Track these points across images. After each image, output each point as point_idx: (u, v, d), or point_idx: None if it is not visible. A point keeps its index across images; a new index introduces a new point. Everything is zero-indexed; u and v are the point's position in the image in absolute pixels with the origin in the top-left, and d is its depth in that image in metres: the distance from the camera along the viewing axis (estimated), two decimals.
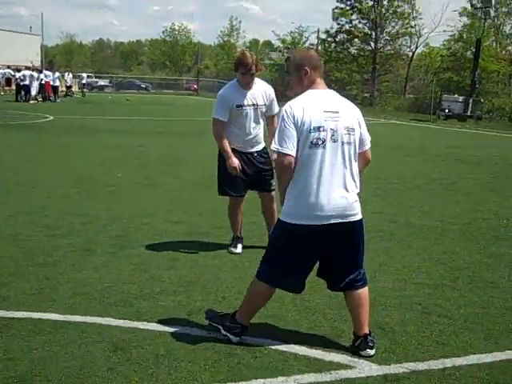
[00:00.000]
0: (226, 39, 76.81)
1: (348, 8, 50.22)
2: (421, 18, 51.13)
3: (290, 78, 3.88)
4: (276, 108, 5.95)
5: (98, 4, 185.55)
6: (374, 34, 49.93)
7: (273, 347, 3.85)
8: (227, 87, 5.91)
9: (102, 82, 63.28)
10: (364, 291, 3.88)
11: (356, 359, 3.73)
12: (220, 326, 3.97)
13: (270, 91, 5.94)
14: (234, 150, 5.78)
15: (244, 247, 6.05)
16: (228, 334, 3.91)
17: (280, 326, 4.20)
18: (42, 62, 60.96)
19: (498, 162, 14.80)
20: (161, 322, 4.21)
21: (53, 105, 32.63)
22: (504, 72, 45.00)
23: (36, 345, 3.78)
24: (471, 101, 34.90)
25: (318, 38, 51.53)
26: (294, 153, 3.60)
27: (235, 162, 5.74)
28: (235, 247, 6.01)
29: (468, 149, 17.91)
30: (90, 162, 11.82)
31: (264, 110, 5.89)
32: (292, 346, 3.89)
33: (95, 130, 18.77)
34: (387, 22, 50.44)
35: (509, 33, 50.42)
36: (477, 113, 34.01)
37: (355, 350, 3.81)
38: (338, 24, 51.02)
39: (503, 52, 48.42)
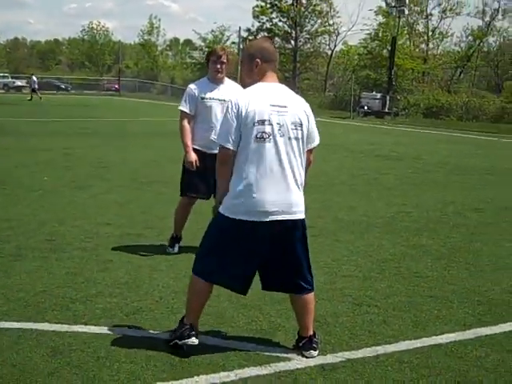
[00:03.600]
0: (146, 38, 76.05)
1: (268, 6, 50.81)
2: (339, 17, 52.81)
3: (242, 67, 3.80)
4: None
5: (11, 2, 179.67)
6: (294, 32, 50.72)
7: (213, 344, 3.93)
8: (196, 81, 5.96)
9: (19, 83, 61.21)
10: (311, 295, 3.87)
11: (294, 352, 3.85)
12: (176, 340, 3.78)
13: (240, 92, 5.88)
14: (196, 151, 5.74)
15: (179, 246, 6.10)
16: (184, 342, 3.73)
17: (218, 322, 4.28)
18: None
19: (415, 156, 15.42)
20: (99, 324, 4.21)
21: None
22: (418, 69, 46.65)
23: None
24: (388, 98, 36.06)
25: (239, 36, 51.80)
26: (233, 147, 3.54)
27: (192, 156, 5.72)
28: (172, 247, 6.04)
29: (387, 145, 18.55)
30: (12, 165, 11.50)
31: None
32: (231, 341, 3.99)
33: (16, 133, 18.24)
34: (306, 20, 51.37)
35: (422, 31, 52.19)
36: (394, 109, 35.15)
37: (299, 349, 3.82)
38: (259, 22, 51.66)
39: (417, 50, 50.14)
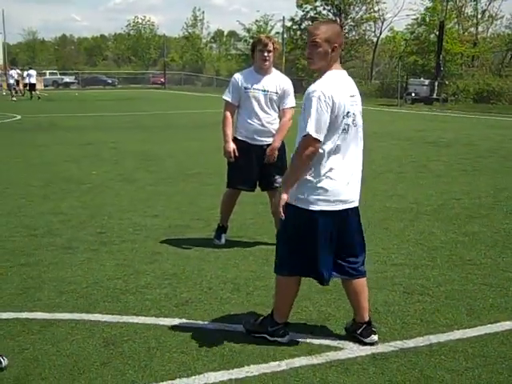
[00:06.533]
0: (190, 31, 76.42)
1: None
2: (384, 3, 51.76)
3: (317, 50, 3.54)
4: (291, 102, 5.72)
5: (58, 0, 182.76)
6: (338, 19, 50.11)
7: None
8: (242, 71, 5.88)
9: (67, 79, 62.29)
10: (364, 279, 3.85)
11: (344, 341, 3.81)
12: (265, 335, 3.82)
13: (285, 82, 5.70)
14: (241, 142, 5.67)
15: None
16: (276, 339, 3.79)
17: (267, 312, 4.24)
18: (4, 60, 59.82)
19: (465, 143, 15.06)
20: (149, 315, 4.25)
21: (18, 103, 32.16)
22: (467, 54, 45.56)
23: (27, 344, 3.78)
24: (437, 84, 35.32)
25: (283, 25, 51.54)
26: (323, 140, 3.47)
27: (230, 146, 5.65)
28: (219, 238, 6.02)
29: (436, 131, 18.18)
30: (62, 160, 11.73)
31: (275, 98, 5.64)
32: None
33: (65, 128, 18.62)
34: (351, 7, 50.72)
35: (470, 14, 50.90)
36: (442, 95, 34.43)
37: (357, 337, 3.78)
38: (303, 11, 51.21)
39: (465, 34, 48.91)
